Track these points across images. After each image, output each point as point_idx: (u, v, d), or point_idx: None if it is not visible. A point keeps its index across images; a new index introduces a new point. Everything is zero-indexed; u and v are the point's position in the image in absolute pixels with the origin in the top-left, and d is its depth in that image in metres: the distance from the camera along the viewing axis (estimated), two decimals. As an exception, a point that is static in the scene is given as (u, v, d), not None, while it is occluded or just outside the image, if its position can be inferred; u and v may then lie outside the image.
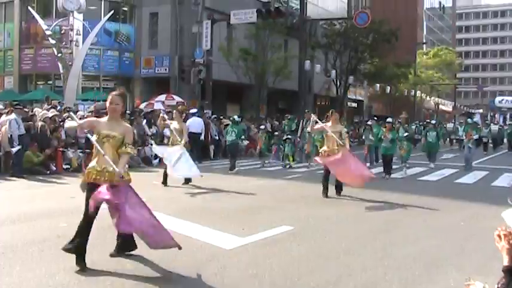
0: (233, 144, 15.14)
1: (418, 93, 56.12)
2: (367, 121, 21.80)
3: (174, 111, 12.18)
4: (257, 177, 13.48)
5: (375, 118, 17.19)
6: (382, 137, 14.59)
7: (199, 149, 17.54)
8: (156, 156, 17.06)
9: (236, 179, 13.10)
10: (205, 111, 22.38)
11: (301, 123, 19.56)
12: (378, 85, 44.43)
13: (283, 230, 7.07)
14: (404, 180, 13.81)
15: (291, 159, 16.39)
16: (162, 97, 24.47)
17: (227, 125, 20.29)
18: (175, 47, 28.80)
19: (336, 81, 37.47)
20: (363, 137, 17.95)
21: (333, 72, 36.42)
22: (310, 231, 7.11)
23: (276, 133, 18.93)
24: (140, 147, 16.77)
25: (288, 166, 16.22)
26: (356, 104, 49.62)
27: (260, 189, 11.28)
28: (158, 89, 27.73)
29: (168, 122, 11.48)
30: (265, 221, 7.63)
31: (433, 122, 17.38)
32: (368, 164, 15.82)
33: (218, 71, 26.92)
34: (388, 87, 46.02)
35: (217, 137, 19.15)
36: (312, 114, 10.49)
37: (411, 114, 42.80)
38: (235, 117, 16.53)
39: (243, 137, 17.92)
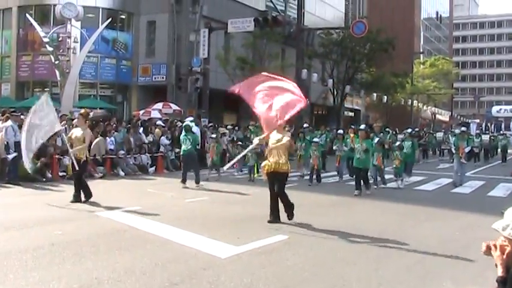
0: (188, 154, 13.17)
1: (415, 102, 56.35)
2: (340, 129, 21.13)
3: (77, 114, 10.94)
4: (252, 186, 13.47)
5: (352, 126, 16.20)
6: (352, 145, 13.20)
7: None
8: (152, 164, 17.08)
9: (231, 188, 13.09)
10: (202, 120, 22.40)
11: None
12: (375, 94, 44.67)
13: (278, 239, 7.06)
14: (399, 190, 13.82)
15: (256, 171, 14.72)
16: (159, 105, 24.51)
17: (224, 133, 20.33)
18: (172, 55, 28.89)
19: (333, 90, 37.62)
20: (334, 147, 17.14)
21: (330, 81, 36.62)
22: (306, 240, 7.10)
23: (240, 143, 17.75)
24: (136, 155, 16.78)
25: (252, 179, 14.72)
26: (353, 113, 49.77)
27: (255, 197, 11.27)
28: (155, 97, 27.78)
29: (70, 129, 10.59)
30: (261, 230, 7.61)
31: (408, 130, 16.73)
32: (337, 179, 15.43)
33: (215, 80, 26.98)
34: (385, 97, 46.25)
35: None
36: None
37: (408, 124, 42.87)
38: (189, 122, 14.46)
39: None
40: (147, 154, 17.20)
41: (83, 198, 9.86)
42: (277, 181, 8.10)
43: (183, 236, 7.05)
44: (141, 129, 18.50)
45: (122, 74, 30.02)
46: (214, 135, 15.90)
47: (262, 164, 8.40)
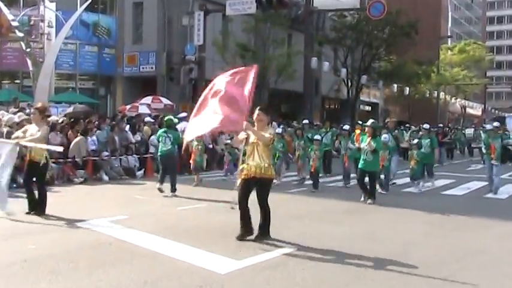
0: (167, 156, 12.83)
1: (442, 94, 56.32)
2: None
3: (32, 109, 10.42)
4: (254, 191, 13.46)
5: (359, 123, 15.60)
6: (356, 145, 12.85)
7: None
8: (140, 167, 17.13)
9: (231, 194, 13.07)
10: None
11: None
12: (395, 85, 44.58)
13: (285, 252, 7.08)
14: (425, 194, 13.83)
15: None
16: (148, 99, 24.56)
17: (222, 132, 20.33)
18: (162, 42, 28.95)
19: (347, 81, 37.64)
20: (340, 145, 16.88)
21: (344, 71, 36.56)
22: (316, 253, 7.11)
23: (228, 141, 17.49)
24: (122, 157, 16.82)
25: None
26: (370, 108, 49.76)
27: (256, 204, 11.21)
28: (143, 90, 27.85)
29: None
30: (266, 241, 7.61)
31: (426, 126, 16.28)
32: (342, 183, 15.13)
33: (212, 70, 26.91)
34: (407, 88, 46.17)
35: (210, 146, 19.19)
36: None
37: (433, 119, 42.87)
38: (171, 116, 14.33)
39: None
40: (134, 155, 17.24)
41: (27, 210, 9.33)
42: (260, 190, 7.61)
43: (175, 249, 7.07)
44: (128, 127, 18.54)
45: (104, 63, 30.10)
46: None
47: (239, 169, 7.88)
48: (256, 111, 7.74)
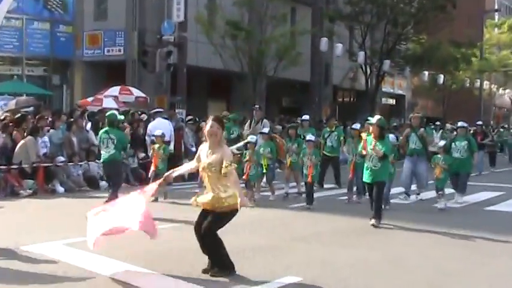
0: (110, 162, 12.76)
1: (486, 84, 56.33)
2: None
3: None
4: (251, 206, 13.50)
5: (369, 119, 14.90)
6: (362, 150, 12.12)
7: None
8: (103, 177, 17.15)
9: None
10: (176, 111, 22.50)
11: (248, 124, 18.98)
12: (426, 73, 44.59)
13: (288, 281, 7.13)
14: (462, 211, 13.85)
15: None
16: (115, 90, 24.49)
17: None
18: (133, 19, 28.96)
19: (366, 67, 37.63)
20: (344, 149, 16.50)
21: (361, 54, 36.56)
22: (327, 282, 7.14)
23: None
24: (83, 163, 16.81)
25: None
26: (394, 101, 49.82)
27: (257, 223, 11.34)
28: (109, 78, 27.87)
29: None
30: (265, 269, 7.68)
31: (461, 124, 15.99)
32: (355, 197, 14.86)
33: (196, 54, 27.02)
34: (441, 76, 46.20)
35: (193, 148, 19.20)
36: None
37: (475, 116, 42.91)
38: (115, 111, 14.26)
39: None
40: (98, 161, 17.21)
41: None
42: (213, 219, 7.34)
43: (147, 279, 7.11)
44: (89, 125, 18.54)
45: (59, 44, 30.03)
46: (159, 133, 15.38)
47: (193, 199, 7.68)
48: (209, 122, 7.44)
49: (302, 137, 16.03)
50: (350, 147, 15.29)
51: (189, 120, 21.15)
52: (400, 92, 49.74)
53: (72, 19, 30.41)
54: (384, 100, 46.26)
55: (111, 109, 21.48)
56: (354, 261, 8.41)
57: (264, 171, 14.97)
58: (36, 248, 8.71)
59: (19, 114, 17.32)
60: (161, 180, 8.04)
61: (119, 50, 29.54)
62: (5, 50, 28.48)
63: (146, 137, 18.11)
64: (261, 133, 15.77)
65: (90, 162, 17.02)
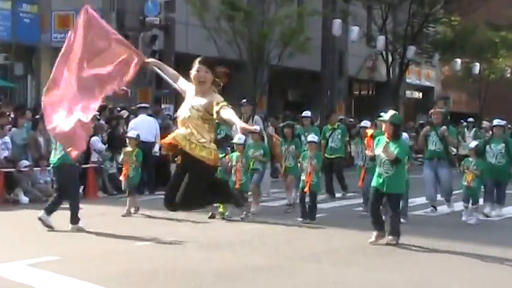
0: (59, 166, 12.55)
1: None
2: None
3: None
4: (251, 219, 13.59)
5: (380, 116, 14.42)
6: (368, 152, 12.05)
7: (151, 167, 17.64)
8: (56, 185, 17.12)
9: (217, 224, 13.21)
10: (163, 107, 22.50)
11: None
12: (459, 61, 44.47)
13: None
14: (501, 225, 13.80)
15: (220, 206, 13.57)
16: (89, 82, 24.52)
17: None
18: (110, -3, 28.98)
19: (387, 55, 37.62)
20: (350, 151, 16.11)
21: (381, 39, 36.54)
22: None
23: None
24: (50, 168, 16.77)
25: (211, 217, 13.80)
26: (421, 94, 49.79)
27: (258, 239, 11.38)
28: (82, 67, 27.80)
29: None
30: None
31: (498, 122, 15.42)
32: (362, 209, 14.61)
33: (186, 39, 27.04)
34: (477, 65, 46.14)
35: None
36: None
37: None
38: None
39: None
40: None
41: None
42: (191, 175, 6.98)
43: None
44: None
45: (22, 27, 29.92)
46: (133, 135, 15.16)
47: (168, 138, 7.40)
48: (195, 65, 7.33)
49: (302, 137, 16.01)
50: (359, 150, 14.98)
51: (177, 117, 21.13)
52: (428, 83, 49.73)
53: (39, -2, 30.40)
54: (408, 93, 46.24)
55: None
56: (373, 283, 8.41)
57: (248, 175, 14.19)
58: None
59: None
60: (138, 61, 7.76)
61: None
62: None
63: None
64: (251, 132, 15.35)
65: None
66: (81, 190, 16.80)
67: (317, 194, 13.87)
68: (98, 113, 19.62)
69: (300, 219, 13.48)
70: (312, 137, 14.16)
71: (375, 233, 11.29)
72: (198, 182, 6.94)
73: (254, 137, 14.94)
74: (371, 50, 38.77)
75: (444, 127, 14.81)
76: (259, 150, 14.67)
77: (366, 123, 15.85)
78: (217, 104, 6.87)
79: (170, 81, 7.99)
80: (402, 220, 12.38)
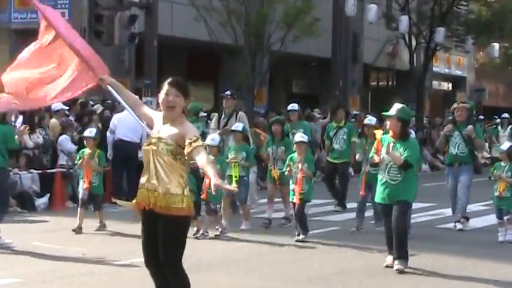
0: None
1: None
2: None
3: None
4: (250, 237, 13.78)
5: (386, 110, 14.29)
6: (375, 157, 11.71)
7: (133, 173, 17.82)
8: (43, 191, 17.33)
9: (207, 242, 13.39)
10: (144, 100, 22.77)
11: (215, 119, 18.15)
12: (496, 46, 44.49)
13: None
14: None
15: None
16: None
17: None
18: (81, -31, 29.19)
19: (410, 38, 37.71)
20: (357, 156, 15.83)
21: (404, 20, 36.69)
22: None
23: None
24: (12, 173, 16.94)
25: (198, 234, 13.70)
26: (450, 85, 49.79)
27: (253, 259, 11.65)
28: (47, 53, 28.02)
29: None
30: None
31: None
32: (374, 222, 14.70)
33: (171, 19, 27.17)
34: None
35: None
36: None
37: None
38: None
39: None
40: (32, 171, 17.39)
41: None
42: (165, 233, 6.94)
43: None
44: (20, 119, 18.73)
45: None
46: (91, 134, 15.05)
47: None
48: (164, 87, 7.23)
49: (290, 135, 15.57)
50: (362, 151, 14.63)
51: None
52: (459, 72, 49.90)
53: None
54: (435, 84, 46.27)
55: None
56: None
57: (234, 185, 13.06)
58: None
59: None
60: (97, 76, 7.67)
61: (62, 14, 29.65)
62: None
63: (108, 135, 18.52)
64: (233, 131, 15.30)
65: (21, 173, 17.16)
66: (46, 199, 17.14)
67: (306, 204, 13.56)
68: (66, 107, 19.91)
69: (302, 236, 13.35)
70: (301, 137, 13.82)
71: (390, 256, 11.09)
72: (176, 238, 6.91)
73: (236, 138, 14.87)
74: (391, 33, 38.88)
75: (470, 127, 14.65)
76: (241, 153, 14.45)
77: (370, 120, 15.71)
78: (190, 143, 6.64)
79: (129, 109, 7.61)
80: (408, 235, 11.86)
